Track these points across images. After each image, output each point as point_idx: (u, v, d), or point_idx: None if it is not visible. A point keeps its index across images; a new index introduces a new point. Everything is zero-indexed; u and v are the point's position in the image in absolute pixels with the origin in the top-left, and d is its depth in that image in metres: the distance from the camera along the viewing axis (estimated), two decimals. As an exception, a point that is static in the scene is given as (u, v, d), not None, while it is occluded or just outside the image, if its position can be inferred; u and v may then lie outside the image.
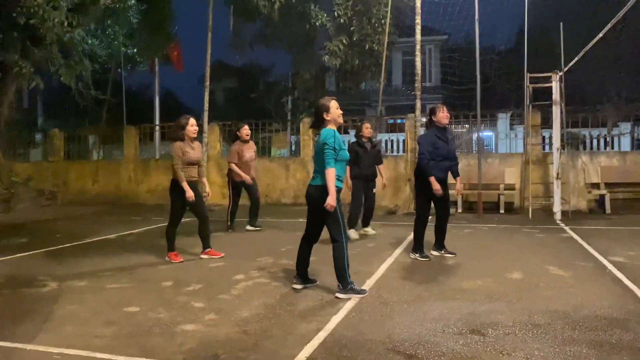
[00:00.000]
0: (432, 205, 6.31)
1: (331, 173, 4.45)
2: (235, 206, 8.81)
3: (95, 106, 19.26)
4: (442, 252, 6.45)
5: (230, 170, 8.62)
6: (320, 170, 4.60)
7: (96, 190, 15.16)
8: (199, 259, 6.41)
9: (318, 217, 4.70)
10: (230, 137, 9.39)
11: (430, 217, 6.33)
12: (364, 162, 7.88)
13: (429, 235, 6.44)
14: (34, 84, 13.12)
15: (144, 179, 14.85)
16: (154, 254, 6.78)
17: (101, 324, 3.97)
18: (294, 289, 4.86)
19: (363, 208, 8.08)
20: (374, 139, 8.57)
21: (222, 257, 6.42)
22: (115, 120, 19.52)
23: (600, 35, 7.60)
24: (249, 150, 8.66)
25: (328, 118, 4.63)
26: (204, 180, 6.80)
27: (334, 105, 4.66)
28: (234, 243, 7.63)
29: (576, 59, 9.16)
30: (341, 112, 4.73)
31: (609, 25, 7.15)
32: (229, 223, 8.78)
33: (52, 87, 21.47)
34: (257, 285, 5.12)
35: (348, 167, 7.64)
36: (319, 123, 4.70)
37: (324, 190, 4.50)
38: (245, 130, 8.71)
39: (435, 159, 6.03)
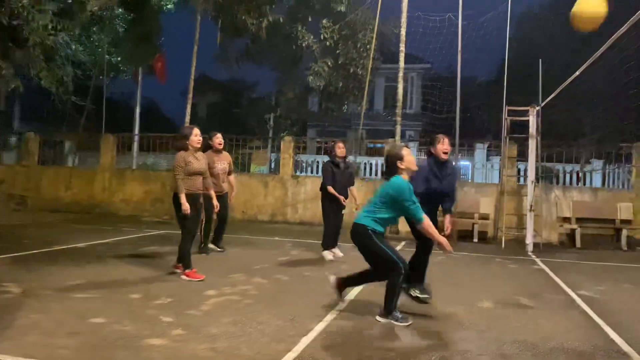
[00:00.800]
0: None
1: (427, 221, 4.56)
2: (207, 224, 7.85)
3: (75, 112, 19.04)
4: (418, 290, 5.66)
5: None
6: (374, 210, 4.65)
7: (69, 198, 14.87)
8: (170, 273, 6.25)
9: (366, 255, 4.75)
10: (204, 147, 8.78)
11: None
12: (338, 182, 7.78)
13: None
14: (13, 85, 12.91)
15: (119, 189, 14.63)
16: (123, 264, 6.66)
17: (65, 334, 3.86)
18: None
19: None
20: (348, 160, 8.35)
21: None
22: (94, 128, 19.29)
23: (577, 73, 7.83)
24: (222, 161, 8.00)
25: (402, 167, 4.53)
26: (211, 192, 6.70)
27: (407, 152, 4.57)
28: (206, 258, 7.52)
29: (553, 95, 9.40)
30: (414, 158, 4.61)
31: (586, 65, 7.39)
32: (202, 245, 7.81)
33: (31, 90, 21.16)
34: (228, 302, 5.05)
35: (330, 188, 7.63)
36: (391, 172, 4.62)
37: (360, 228, 4.62)
38: (218, 139, 8.06)
39: (425, 198, 5.14)
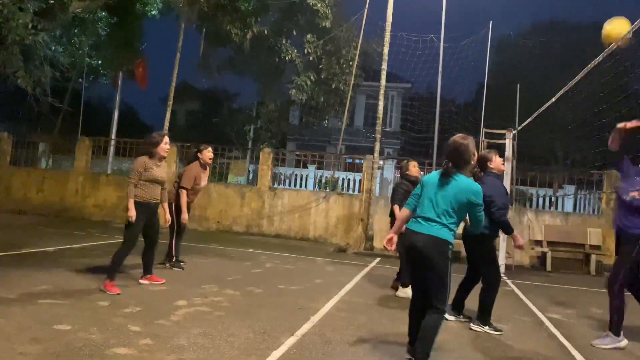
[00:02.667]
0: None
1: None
2: (180, 236, 7.47)
3: (51, 114, 18.69)
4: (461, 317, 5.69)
5: (177, 196, 7.30)
6: (448, 222, 3.75)
7: (40, 200, 14.54)
8: (138, 283, 6.10)
9: (428, 276, 3.84)
10: (188, 158, 7.93)
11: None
12: None
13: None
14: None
15: (92, 193, 14.37)
16: (93, 271, 6.51)
17: (27, 340, 3.74)
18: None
19: None
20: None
21: (163, 282, 6.10)
22: (70, 130, 18.98)
23: (553, 100, 8.04)
24: (205, 178, 7.55)
25: (492, 165, 4.33)
26: (165, 205, 6.20)
27: (499, 160, 4.30)
28: (177, 271, 7.41)
29: (529, 120, 9.62)
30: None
31: (561, 92, 7.58)
32: (174, 259, 7.36)
33: (6, 90, 20.75)
34: (199, 313, 4.97)
35: (396, 207, 6.63)
36: (462, 167, 3.86)
37: (443, 245, 3.74)
38: (209, 153, 7.50)
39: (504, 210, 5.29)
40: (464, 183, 3.77)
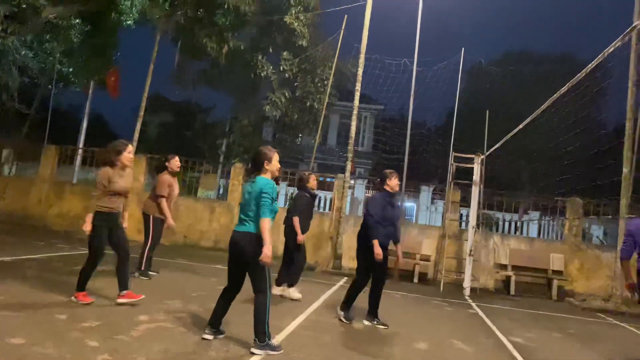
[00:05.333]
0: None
1: (267, 223, 4.37)
2: (153, 246, 7.64)
3: (17, 120, 18.23)
4: (375, 322, 6.18)
5: (152, 204, 7.52)
6: (251, 217, 4.49)
7: (1, 207, 14.07)
8: (117, 305, 5.62)
9: (241, 266, 4.55)
10: (157, 167, 8.05)
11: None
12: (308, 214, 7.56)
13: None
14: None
15: (56, 203, 14.00)
16: (52, 283, 6.31)
17: (-23, 354, 3.59)
18: (204, 338, 4.61)
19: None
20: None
21: (142, 298, 5.75)
22: (37, 138, 18.50)
23: (520, 127, 8.26)
24: (176, 186, 7.84)
25: (267, 168, 4.58)
26: (125, 214, 5.97)
27: (276, 157, 4.64)
28: (142, 282, 7.25)
29: (496, 146, 9.84)
30: (279, 166, 4.72)
31: (527, 120, 7.81)
32: (143, 267, 7.49)
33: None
34: (161, 330, 4.86)
35: (297, 219, 7.26)
36: (256, 170, 4.60)
37: (254, 239, 4.41)
38: (177, 162, 7.83)
39: (382, 223, 5.94)
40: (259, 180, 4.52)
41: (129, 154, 5.62)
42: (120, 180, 5.58)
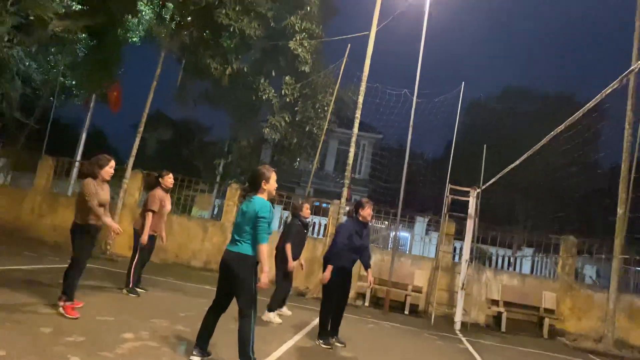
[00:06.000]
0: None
1: (266, 248, 4.31)
2: (142, 262, 7.67)
3: (16, 129, 18.25)
4: (334, 339, 6.40)
5: (143, 219, 7.46)
6: (245, 238, 4.40)
7: (-9, 216, 13.96)
8: (52, 305, 5.72)
9: (230, 286, 4.47)
10: (149, 183, 8.06)
11: None
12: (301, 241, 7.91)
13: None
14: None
15: (49, 214, 13.90)
16: (38, 295, 6.22)
17: (-44, 365, 3.52)
18: None
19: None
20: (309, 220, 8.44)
21: (81, 306, 5.76)
22: (35, 148, 18.50)
23: (516, 163, 8.31)
24: (168, 202, 7.79)
25: (265, 188, 4.53)
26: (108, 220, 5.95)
27: (274, 177, 4.59)
28: (129, 299, 7.17)
29: (492, 180, 9.88)
30: (276, 186, 4.70)
31: (524, 157, 7.86)
32: (131, 284, 7.40)
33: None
34: (145, 348, 4.78)
35: (289, 246, 7.54)
36: (253, 189, 4.55)
37: (247, 260, 4.34)
38: (170, 178, 7.81)
39: (347, 250, 6.21)
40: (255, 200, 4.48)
41: (110, 168, 5.87)
42: (102, 193, 5.79)
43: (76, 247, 5.73)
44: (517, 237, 16.30)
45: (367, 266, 6.58)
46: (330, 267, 6.11)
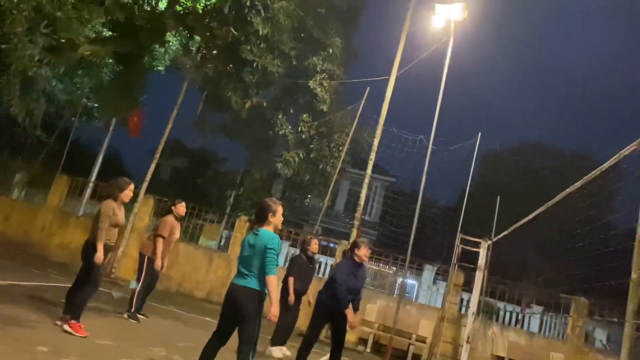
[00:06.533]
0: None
1: (274, 281, 4.25)
2: (150, 287, 7.64)
3: (36, 147, 18.55)
4: None
5: (150, 246, 7.45)
6: (253, 272, 4.34)
7: (3, 229, 14.05)
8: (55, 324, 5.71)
9: (235, 320, 4.36)
10: (162, 211, 8.45)
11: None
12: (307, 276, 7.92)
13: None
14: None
15: (59, 233, 13.95)
16: (39, 312, 6.17)
17: (-51, 378, 3.46)
18: None
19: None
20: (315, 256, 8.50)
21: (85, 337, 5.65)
22: (51, 166, 18.75)
23: (530, 217, 8.20)
24: (178, 230, 7.81)
25: (272, 220, 4.52)
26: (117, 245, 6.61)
27: (280, 210, 4.59)
28: (129, 325, 7.08)
29: (504, 233, 9.74)
30: (282, 219, 4.68)
31: (537, 212, 7.77)
32: (133, 309, 7.34)
33: (-3, 114, 20.68)
34: (140, 377, 4.68)
35: (291, 279, 7.63)
36: (260, 221, 4.53)
37: (255, 294, 4.26)
38: (183, 207, 7.88)
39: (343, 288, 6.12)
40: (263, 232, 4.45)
41: (129, 191, 6.15)
42: (120, 214, 6.04)
43: (89, 266, 5.79)
44: (526, 294, 15.96)
45: (356, 309, 6.39)
46: (349, 312, 5.99)
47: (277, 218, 4.55)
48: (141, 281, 7.42)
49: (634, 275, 11.05)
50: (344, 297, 6.00)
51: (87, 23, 11.56)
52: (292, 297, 7.52)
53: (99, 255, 5.67)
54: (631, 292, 10.69)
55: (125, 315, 7.29)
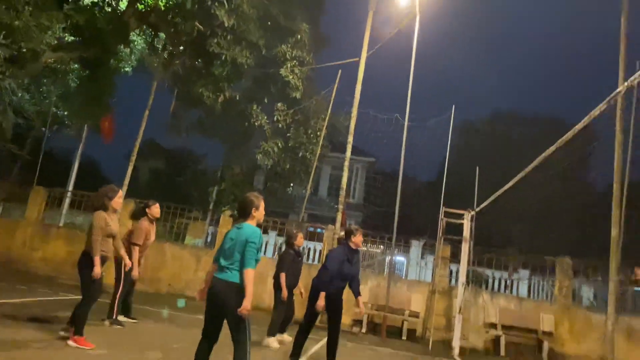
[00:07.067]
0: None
1: (251, 274, 4.25)
2: (130, 291, 7.55)
3: (8, 160, 18.18)
4: None
5: (129, 251, 7.27)
6: (234, 265, 4.33)
7: (-19, 248, 13.77)
8: (60, 338, 5.75)
9: (221, 315, 4.36)
10: (135, 213, 7.89)
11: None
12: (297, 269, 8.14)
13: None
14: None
15: (41, 246, 13.73)
16: (29, 329, 6.09)
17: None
18: None
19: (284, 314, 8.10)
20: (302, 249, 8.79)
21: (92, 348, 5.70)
22: (27, 179, 18.41)
23: (510, 184, 8.32)
24: (153, 234, 7.67)
25: (255, 215, 4.53)
26: (123, 252, 6.69)
27: (262, 204, 4.61)
28: (121, 332, 7.03)
29: (486, 203, 9.88)
30: (264, 213, 4.69)
31: (516, 179, 7.89)
32: (115, 316, 7.23)
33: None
34: (138, 383, 4.66)
35: (283, 275, 7.83)
36: (243, 217, 4.54)
37: (237, 289, 4.24)
38: (157, 208, 7.70)
39: (337, 277, 6.25)
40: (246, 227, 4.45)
41: (119, 199, 6.11)
42: (113, 224, 6.00)
43: (85, 279, 5.75)
44: (512, 260, 16.24)
45: (357, 294, 6.55)
46: (323, 295, 6.11)
47: (259, 212, 4.57)
48: (121, 286, 7.26)
49: (613, 232, 11.30)
50: (328, 281, 6.18)
51: (47, 30, 11.27)
52: (285, 293, 7.75)
53: (97, 270, 5.67)
54: (612, 249, 10.90)
55: (107, 323, 7.14)
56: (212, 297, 4.37)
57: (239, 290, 4.27)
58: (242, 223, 4.51)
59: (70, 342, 5.54)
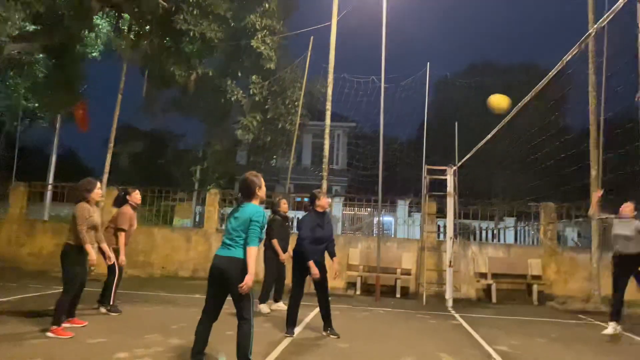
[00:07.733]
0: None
1: (255, 251, 4.29)
2: (120, 277, 7.45)
3: (-18, 159, 17.83)
4: (328, 332, 6.55)
5: (112, 237, 7.31)
6: (237, 242, 4.35)
7: (-32, 250, 13.62)
8: (78, 335, 5.79)
9: (224, 291, 4.41)
10: (116, 201, 7.74)
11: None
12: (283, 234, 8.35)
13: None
14: None
15: (28, 242, 13.62)
16: (25, 324, 6.10)
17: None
18: None
19: (276, 282, 8.34)
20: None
21: (85, 325, 6.16)
22: (4, 177, 18.09)
23: (488, 137, 8.41)
24: (135, 220, 7.62)
25: (258, 194, 4.55)
26: (104, 245, 6.79)
27: (263, 182, 4.65)
28: (119, 317, 7.09)
29: (467, 156, 9.99)
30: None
31: (494, 131, 7.97)
32: (112, 302, 7.27)
33: None
34: (141, 365, 4.73)
35: (275, 241, 8.11)
36: (247, 197, 4.54)
37: (241, 264, 4.27)
38: (138, 195, 7.68)
39: (312, 243, 6.36)
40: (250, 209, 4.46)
41: (98, 190, 6.14)
42: (95, 216, 6.06)
43: (67, 270, 5.82)
44: (497, 209, 16.54)
45: (332, 255, 6.69)
46: (312, 263, 6.21)
47: (262, 190, 4.61)
48: (117, 273, 7.29)
49: (592, 173, 11.52)
50: (309, 249, 6.28)
51: (6, 21, 10.90)
52: (282, 256, 8.08)
53: (92, 257, 5.84)
54: (592, 189, 11.15)
55: (103, 310, 7.23)
56: (216, 273, 4.41)
57: (243, 265, 4.30)
58: (246, 203, 4.53)
59: (48, 334, 5.57)
